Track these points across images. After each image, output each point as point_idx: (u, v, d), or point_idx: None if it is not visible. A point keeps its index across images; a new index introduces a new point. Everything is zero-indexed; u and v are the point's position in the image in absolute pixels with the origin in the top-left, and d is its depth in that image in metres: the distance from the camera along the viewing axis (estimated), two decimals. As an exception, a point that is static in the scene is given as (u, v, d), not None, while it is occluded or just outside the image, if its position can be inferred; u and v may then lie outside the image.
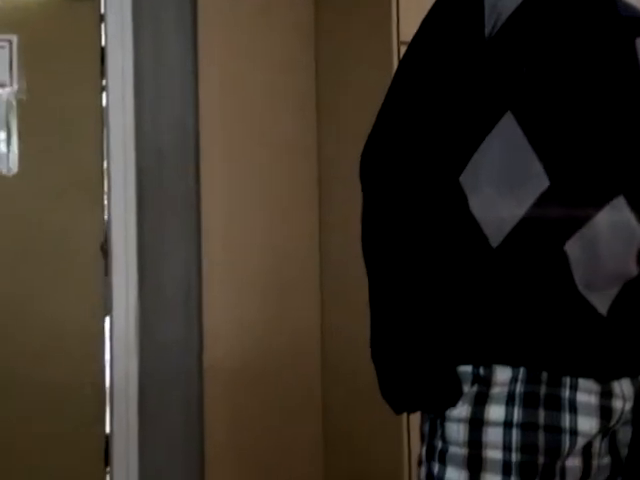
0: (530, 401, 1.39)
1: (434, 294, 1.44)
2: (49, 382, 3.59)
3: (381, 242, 1.47)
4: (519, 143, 1.41)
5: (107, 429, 3.66)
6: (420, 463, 1.52)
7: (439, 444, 1.45)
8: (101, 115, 3.69)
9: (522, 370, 1.39)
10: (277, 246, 3.90)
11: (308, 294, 3.92)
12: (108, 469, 3.64)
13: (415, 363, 1.44)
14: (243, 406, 3.79)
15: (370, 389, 3.44)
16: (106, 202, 3.69)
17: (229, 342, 3.80)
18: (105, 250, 3.67)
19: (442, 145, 1.44)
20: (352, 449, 3.70)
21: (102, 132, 3.69)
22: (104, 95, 3.68)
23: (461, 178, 1.43)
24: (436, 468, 1.46)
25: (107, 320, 3.69)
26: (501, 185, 1.41)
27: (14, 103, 3.59)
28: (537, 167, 1.40)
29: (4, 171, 3.59)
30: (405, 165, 1.43)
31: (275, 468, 3.79)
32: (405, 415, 3.21)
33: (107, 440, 3.65)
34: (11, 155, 3.60)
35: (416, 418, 3.20)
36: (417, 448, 3.17)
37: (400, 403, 1.50)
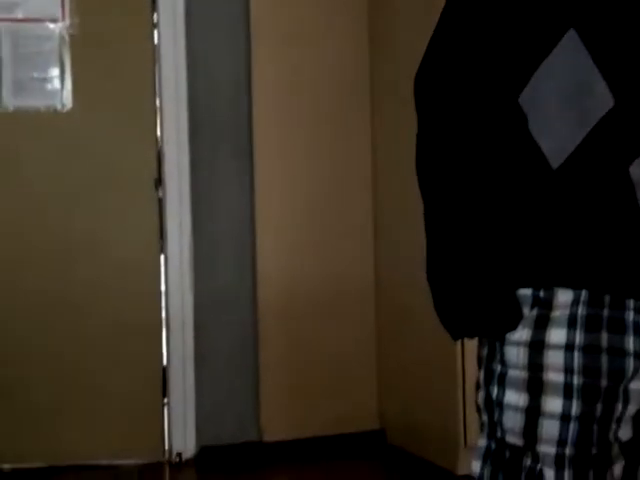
0: (593, 324, 1.37)
1: (492, 216, 1.42)
2: (109, 315, 3.66)
3: (437, 164, 1.45)
4: (583, 62, 1.37)
5: (164, 361, 3.72)
6: (478, 387, 1.51)
7: (498, 368, 1.45)
8: (153, 49, 3.68)
9: (584, 293, 1.38)
10: (330, 183, 3.89)
11: (361, 232, 3.91)
12: (166, 400, 3.72)
13: (474, 287, 1.42)
14: (297, 339, 3.82)
15: (423, 317, 3.45)
16: (159, 136, 3.70)
17: (283, 277, 3.82)
18: (158, 184, 3.70)
19: (500, 65, 1.40)
20: (406, 378, 3.72)
21: (154, 66, 3.68)
22: (156, 30, 3.67)
23: (520, 98, 1.39)
24: (495, 391, 1.45)
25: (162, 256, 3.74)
26: (563, 105, 1.38)
27: (67, 38, 3.60)
28: (601, 86, 1.36)
29: (58, 107, 3.61)
30: (461, 85, 1.40)
31: (330, 399, 3.84)
32: (459, 340, 3.22)
33: (164, 372, 3.72)
34: (65, 91, 3.61)
35: (471, 343, 3.22)
36: (471, 374, 3.19)
37: (458, 328, 1.49)
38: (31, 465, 3.59)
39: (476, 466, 1.50)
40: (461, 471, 3.28)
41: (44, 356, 3.61)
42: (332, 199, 3.89)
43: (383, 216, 3.88)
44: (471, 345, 3.22)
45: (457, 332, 1.49)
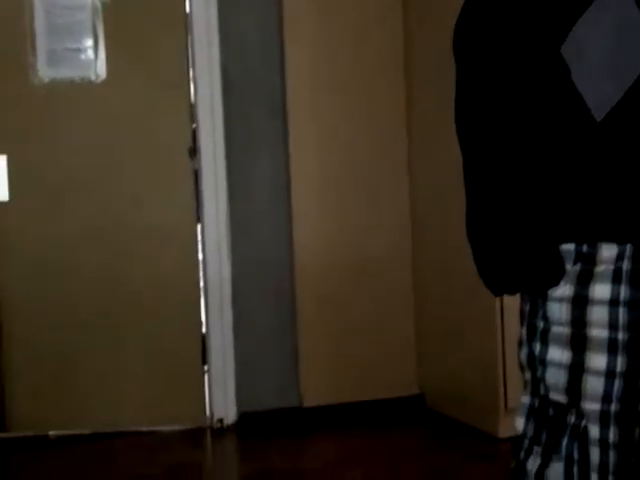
0: (638, 279, 1.35)
1: (534, 170, 1.39)
2: (148, 285, 3.69)
3: (476, 117, 1.42)
4: (627, 11, 1.33)
5: (204, 329, 3.75)
6: (521, 344, 1.50)
7: (541, 324, 1.43)
8: (185, 17, 3.67)
9: (629, 247, 1.35)
10: (365, 146, 3.86)
11: (397, 193, 3.89)
12: (206, 367, 3.75)
13: (515, 242, 1.40)
14: (335, 304, 3.82)
15: (461, 279, 3.43)
16: (193, 104, 3.70)
17: (319, 241, 3.82)
18: (193, 152, 3.70)
19: (541, 14, 1.37)
20: (445, 342, 3.71)
21: (186, 34, 3.67)
22: (187, -3, 3.66)
23: (562, 49, 1.36)
24: (538, 348, 1.44)
25: (199, 225, 3.75)
26: (607, 55, 1.34)
27: (99, 8, 3.60)
28: (646, 35, 1.33)
29: (92, 77, 3.62)
30: (501, 36, 1.37)
31: (369, 364, 3.84)
32: (500, 298, 3.20)
33: (204, 339, 3.74)
34: (99, 61, 3.62)
35: (511, 306, 3.19)
36: (511, 336, 3.17)
37: (500, 285, 1.47)
38: (75, 432, 3.65)
39: (520, 423, 1.49)
40: (502, 434, 3.27)
41: (87, 328, 3.65)
42: (367, 161, 3.86)
43: (418, 175, 3.85)
44: (511, 306, 3.21)
45: (498, 288, 1.47)
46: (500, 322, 3.28)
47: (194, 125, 3.69)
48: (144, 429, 3.67)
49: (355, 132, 3.84)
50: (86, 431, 3.65)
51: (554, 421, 1.42)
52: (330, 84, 3.80)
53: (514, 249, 1.41)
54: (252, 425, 3.71)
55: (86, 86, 3.62)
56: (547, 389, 1.42)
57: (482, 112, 1.41)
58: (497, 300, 3.24)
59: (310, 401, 3.79)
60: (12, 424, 3.65)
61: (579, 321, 1.38)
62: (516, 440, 1.51)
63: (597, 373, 1.37)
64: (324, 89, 3.80)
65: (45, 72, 3.59)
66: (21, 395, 3.64)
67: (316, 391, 3.79)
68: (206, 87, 3.68)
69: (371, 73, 3.85)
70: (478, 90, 1.40)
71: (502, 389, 3.30)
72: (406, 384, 3.87)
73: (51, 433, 3.65)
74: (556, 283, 1.39)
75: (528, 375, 1.47)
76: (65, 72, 3.60)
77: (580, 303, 1.38)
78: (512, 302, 3.12)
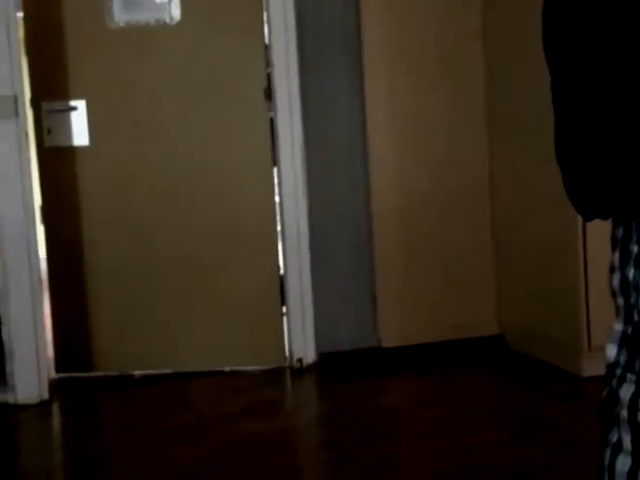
0: None
1: (627, 87, 1.33)
2: (225, 228, 3.71)
3: (565, 31, 1.36)
4: None
5: (281, 271, 3.77)
6: (612, 270, 1.45)
7: (635, 248, 1.38)
8: (258, -44, 3.63)
9: None
10: (441, 85, 3.79)
11: (475, 141, 3.82)
12: (285, 308, 3.77)
13: (607, 163, 1.35)
14: (413, 244, 3.80)
15: (542, 214, 3.36)
16: (268, 45, 3.67)
17: (397, 182, 3.78)
18: (268, 93, 3.68)
19: None
20: (526, 280, 3.66)
21: (260, -27, 3.64)
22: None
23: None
24: (632, 273, 1.39)
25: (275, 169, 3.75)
26: None
27: (172, -51, 3.58)
28: None
29: (167, 20, 3.62)
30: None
31: (448, 303, 3.82)
32: (580, 224, 3.14)
33: (282, 281, 3.76)
34: (173, 4, 3.61)
35: (594, 241, 3.12)
36: (594, 274, 3.11)
37: (591, 209, 1.42)
38: (158, 371, 3.73)
39: (611, 351, 1.45)
40: (586, 373, 3.22)
41: (169, 269, 3.71)
42: (444, 104, 3.80)
43: (497, 117, 3.77)
44: (594, 242, 3.15)
45: (590, 213, 1.41)
46: (583, 257, 3.21)
47: (269, 69, 3.67)
48: (225, 369, 3.73)
49: (432, 74, 3.77)
50: (169, 371, 3.73)
51: (649, 348, 1.38)
52: (406, 25, 3.73)
53: (606, 170, 1.35)
54: (331, 365, 3.73)
55: (161, 29, 3.62)
56: (641, 315, 1.38)
57: (572, 26, 1.35)
58: (580, 235, 3.17)
59: (388, 342, 3.80)
60: (98, 364, 3.75)
61: (676, 243, 1.32)
62: (608, 368, 1.47)
63: (694, 296, 1.32)
64: (400, 31, 3.73)
65: (120, 16, 3.60)
66: (106, 336, 3.73)
67: (394, 331, 3.79)
68: (280, 29, 3.64)
69: (448, 13, 3.76)
70: (569, 4, 1.34)
71: (585, 327, 3.25)
72: (486, 324, 3.85)
73: (135, 373, 3.74)
74: (652, 205, 1.33)
75: (621, 301, 1.43)
76: (140, 15, 3.60)
77: (677, 225, 1.32)
78: (596, 239, 3.06)
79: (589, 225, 3.08)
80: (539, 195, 3.48)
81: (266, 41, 3.67)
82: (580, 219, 3.15)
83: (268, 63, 3.67)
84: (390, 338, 3.80)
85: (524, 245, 3.67)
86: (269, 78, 3.67)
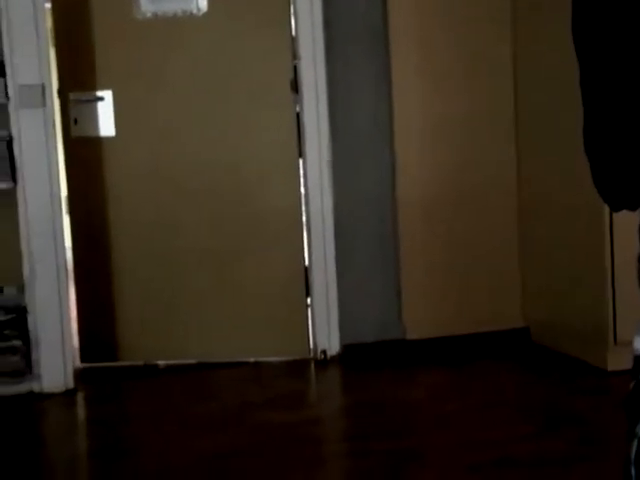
0: None
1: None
2: (252, 218, 3.72)
3: (596, 21, 1.35)
4: None
5: (306, 262, 3.77)
6: (641, 260, 1.44)
7: (664, 239, 1.36)
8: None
9: None
10: (471, 82, 3.77)
11: (503, 135, 3.80)
12: (309, 299, 3.77)
13: (637, 153, 1.34)
14: (438, 237, 3.78)
15: (568, 208, 3.33)
16: (294, 37, 3.66)
17: (423, 175, 3.77)
18: (295, 85, 3.68)
19: None
20: (551, 274, 3.64)
21: (287, -35, 3.63)
22: None
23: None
24: (660, 264, 1.37)
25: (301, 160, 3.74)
26: None
27: (199, -61, 3.58)
28: None
29: (194, 10, 3.63)
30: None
31: (473, 296, 3.80)
32: (607, 216, 3.10)
33: (307, 272, 3.76)
34: (199, -6, 3.62)
35: (621, 232, 3.09)
36: (621, 266, 3.08)
37: (619, 200, 1.40)
38: (183, 362, 3.74)
39: (639, 343, 1.44)
40: (612, 366, 3.20)
41: (194, 261, 3.72)
42: (471, 95, 3.77)
43: (525, 107, 3.74)
44: (621, 235, 3.12)
45: (617, 203, 1.40)
46: (610, 251, 3.19)
47: (296, 61, 3.66)
48: (249, 360, 3.74)
49: (459, 67, 3.75)
50: (193, 361, 3.74)
51: (677, 339, 1.36)
52: (433, 16, 3.71)
53: (635, 160, 1.34)
54: (355, 357, 3.73)
55: (188, 20, 3.63)
56: (670, 306, 1.36)
57: (602, 16, 1.34)
58: (607, 227, 3.14)
59: (413, 334, 3.79)
60: (122, 354, 3.77)
61: None
62: (635, 361, 1.45)
63: None
64: (427, 22, 3.71)
65: (147, 6, 3.61)
66: (131, 325, 3.75)
67: (419, 324, 3.78)
68: (307, 21, 3.64)
69: (476, 5, 3.74)
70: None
71: (612, 321, 3.22)
72: (510, 317, 3.83)
73: (160, 363, 3.76)
74: (681, 195, 1.32)
75: (649, 292, 1.42)
76: (167, 6, 3.61)
77: None
78: (623, 231, 3.03)
79: (616, 218, 3.05)
80: (566, 188, 3.45)
81: (293, 33, 3.66)
82: (607, 212, 3.13)
83: (295, 55, 3.67)
84: (414, 330, 3.79)
85: (550, 238, 3.64)
86: (296, 70, 3.67)
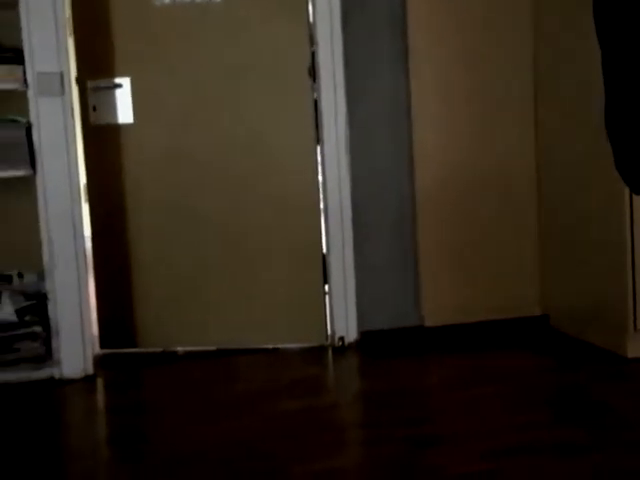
0: None
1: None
2: (269, 205, 3.72)
3: (617, 8, 1.34)
4: None
5: (324, 249, 3.77)
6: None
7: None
8: None
9: None
10: (490, 68, 3.75)
11: (522, 122, 3.78)
12: (327, 286, 3.77)
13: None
14: (457, 223, 3.77)
15: (588, 192, 3.31)
16: (312, 23, 3.65)
17: (440, 160, 3.76)
18: (312, 72, 3.67)
19: None
20: (569, 259, 3.62)
21: (304, -50, 3.62)
22: None
23: None
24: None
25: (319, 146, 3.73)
26: None
27: None
28: None
29: (212, -3, 3.62)
30: None
31: (491, 283, 3.79)
32: (627, 200, 3.08)
33: (324, 259, 3.76)
34: (217, -19, 3.61)
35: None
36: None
37: (640, 183, 1.40)
38: (202, 348, 3.76)
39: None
40: (632, 354, 3.18)
41: (212, 248, 3.73)
42: (490, 80, 3.75)
43: (545, 87, 3.72)
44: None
45: (639, 186, 1.40)
46: (630, 235, 3.16)
47: (313, 48, 3.65)
48: (267, 346, 3.75)
49: (477, 51, 3.73)
50: (212, 348, 3.75)
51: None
52: (452, 3, 3.69)
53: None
54: (373, 344, 3.73)
55: (206, 6, 3.62)
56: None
57: (625, 1, 1.33)
58: (627, 213, 3.12)
59: (431, 321, 3.79)
60: (141, 340, 3.79)
61: None
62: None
63: None
64: (445, 6, 3.69)
65: (165, -7, 3.61)
66: (150, 312, 3.77)
67: (437, 310, 3.78)
68: (325, 8, 3.62)
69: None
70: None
71: (632, 307, 3.21)
72: (530, 304, 3.82)
73: (179, 349, 3.77)
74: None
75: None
76: (185, -8, 3.61)
77: None
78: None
79: (638, 202, 3.03)
80: (586, 172, 3.43)
81: (311, 19, 3.65)
82: (627, 196, 3.10)
83: (312, 42, 3.66)
84: (432, 317, 3.78)
85: (569, 224, 3.62)
86: (313, 57, 3.66)
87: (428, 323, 3.79)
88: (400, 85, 3.72)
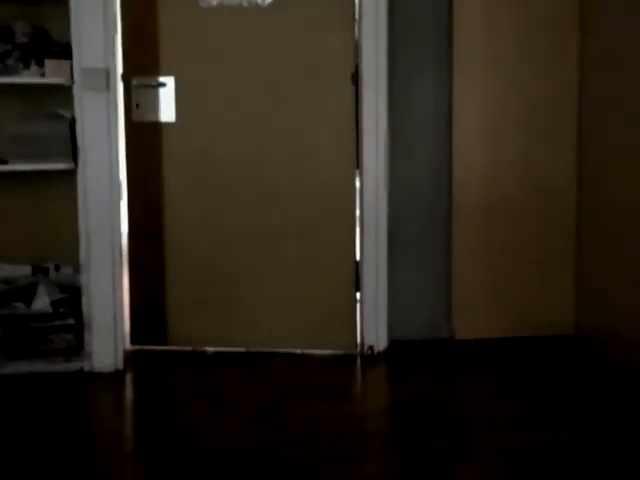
0: None
1: None
2: (305, 209, 3.72)
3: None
4: None
5: (357, 257, 3.76)
6: None
7: None
8: (352, -60, 3.62)
9: None
10: (532, 72, 3.74)
11: (565, 116, 3.75)
12: (359, 294, 3.77)
13: None
14: (492, 236, 3.76)
15: (627, 214, 3.27)
16: (357, 29, 3.66)
17: (480, 173, 3.74)
18: (355, 78, 3.68)
19: None
20: (606, 278, 3.59)
21: (353, -42, 3.63)
22: None
23: None
24: None
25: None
26: None
27: None
28: None
29: (259, 1, 3.64)
30: None
31: (525, 299, 3.77)
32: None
33: (357, 267, 3.76)
34: (265, -15, 3.63)
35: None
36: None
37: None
38: (231, 349, 3.77)
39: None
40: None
41: (246, 250, 3.74)
42: (533, 87, 3.74)
43: (589, 100, 3.69)
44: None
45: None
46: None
47: (358, 55, 3.65)
48: (296, 351, 3.75)
49: (522, 56, 3.72)
50: (241, 349, 3.77)
51: None
52: (497, 5, 3.68)
53: None
54: (402, 354, 3.72)
55: (252, 10, 3.64)
56: None
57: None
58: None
59: (461, 334, 3.77)
60: (172, 338, 3.81)
61: None
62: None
63: None
64: (491, 10, 3.68)
65: (213, -5, 3.63)
66: (182, 311, 3.79)
67: (468, 324, 3.76)
68: (371, 15, 3.63)
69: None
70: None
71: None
72: (563, 321, 3.79)
73: (208, 349, 3.79)
74: None
75: None
76: (233, -5, 3.63)
77: None
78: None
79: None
80: (625, 190, 3.40)
81: (356, 27, 3.66)
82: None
83: (357, 47, 3.66)
84: (463, 330, 3.77)
85: (607, 242, 3.59)
86: (357, 64, 3.66)
87: (459, 336, 3.77)
88: (442, 95, 3.72)
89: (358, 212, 3.74)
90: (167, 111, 3.71)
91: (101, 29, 3.37)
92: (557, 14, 3.74)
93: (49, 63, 3.42)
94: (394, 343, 3.76)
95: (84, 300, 3.50)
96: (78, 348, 3.53)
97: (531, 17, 3.72)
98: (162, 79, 3.69)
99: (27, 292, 3.56)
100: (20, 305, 3.52)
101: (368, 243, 3.73)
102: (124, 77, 3.71)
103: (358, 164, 3.72)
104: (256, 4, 3.64)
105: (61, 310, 3.54)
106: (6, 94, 3.62)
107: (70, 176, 3.50)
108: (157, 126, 3.73)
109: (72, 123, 3.43)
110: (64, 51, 3.45)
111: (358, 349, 3.77)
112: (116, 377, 3.48)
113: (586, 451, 2.67)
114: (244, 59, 3.67)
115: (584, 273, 3.76)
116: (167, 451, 2.74)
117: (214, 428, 2.92)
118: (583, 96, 3.73)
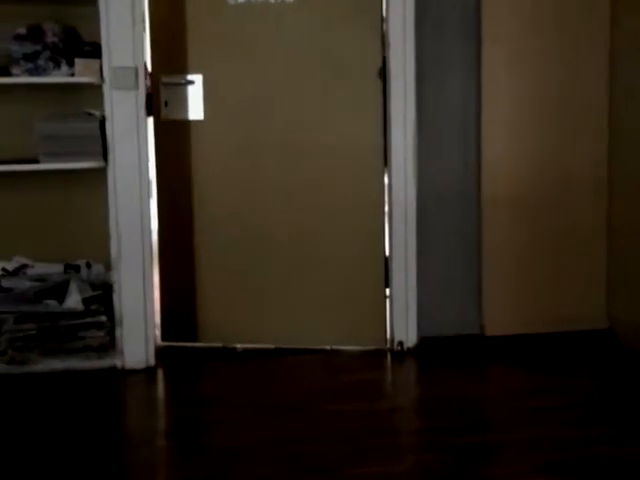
0: None
1: None
2: (336, 205, 3.72)
3: None
4: None
5: (387, 253, 3.76)
6: None
7: None
8: None
9: None
10: (562, 70, 3.71)
11: (594, 115, 3.72)
12: (388, 290, 3.77)
13: None
14: (522, 232, 3.74)
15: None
16: (384, 26, 3.65)
17: (509, 168, 3.72)
18: (383, 73, 3.67)
19: None
20: (638, 274, 3.57)
21: (380, -47, 3.62)
22: None
23: None
24: None
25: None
26: None
27: None
28: None
29: (286, -2, 3.65)
30: None
31: (555, 295, 3.74)
32: None
33: (387, 263, 3.75)
34: (292, -18, 3.63)
35: None
36: None
37: None
38: (261, 346, 3.78)
39: None
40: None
41: (275, 247, 3.75)
42: (562, 86, 3.71)
43: (620, 98, 3.66)
44: None
45: None
46: None
47: (385, 50, 3.64)
48: (326, 347, 3.76)
49: (550, 56, 3.69)
50: (271, 346, 3.78)
51: None
52: (527, 3, 3.66)
53: None
54: (432, 350, 3.71)
55: (279, 6, 3.65)
56: None
57: None
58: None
59: (492, 330, 3.75)
60: (202, 335, 3.83)
61: None
62: None
63: None
64: (521, 9, 3.66)
65: (240, -8, 3.64)
66: (212, 308, 3.80)
67: (498, 320, 3.74)
68: (399, 12, 3.61)
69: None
70: None
71: (700, 326, 3.14)
72: (595, 317, 3.76)
73: (238, 346, 3.80)
74: None
75: None
76: (260, -8, 3.64)
77: None
78: None
79: None
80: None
81: (383, 23, 3.65)
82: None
83: (384, 43, 3.65)
84: (493, 326, 3.75)
85: (638, 237, 3.56)
86: (384, 59, 3.66)
87: (489, 332, 3.76)
88: (471, 90, 3.70)
89: (387, 208, 3.74)
90: (195, 109, 3.72)
91: (129, 28, 3.40)
92: (587, 8, 3.70)
93: (79, 62, 3.45)
94: (424, 339, 3.75)
95: (115, 297, 3.53)
96: (110, 345, 3.56)
97: (562, 11, 3.69)
98: (190, 77, 3.71)
99: (59, 290, 3.60)
100: (52, 303, 3.56)
101: (397, 239, 3.72)
102: (153, 75, 3.74)
103: (386, 160, 3.71)
104: (282, 0, 3.65)
105: (93, 307, 3.57)
106: (37, 94, 3.66)
107: (101, 174, 3.53)
108: (185, 124, 3.75)
109: (102, 122, 3.46)
110: (94, 50, 3.48)
111: (388, 345, 3.76)
112: (147, 373, 3.51)
113: (621, 446, 2.65)
114: (271, 55, 3.68)
115: (616, 268, 3.72)
116: (197, 446, 2.75)
117: (243, 424, 2.93)
118: (614, 92, 3.69)
